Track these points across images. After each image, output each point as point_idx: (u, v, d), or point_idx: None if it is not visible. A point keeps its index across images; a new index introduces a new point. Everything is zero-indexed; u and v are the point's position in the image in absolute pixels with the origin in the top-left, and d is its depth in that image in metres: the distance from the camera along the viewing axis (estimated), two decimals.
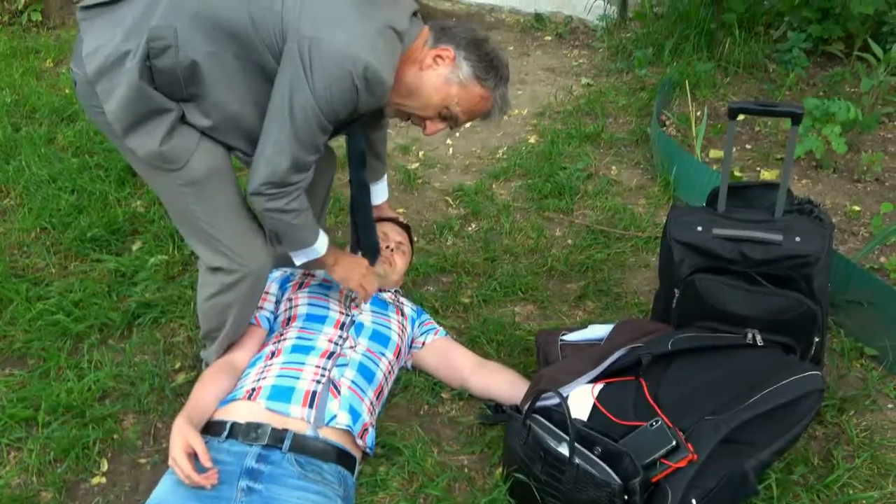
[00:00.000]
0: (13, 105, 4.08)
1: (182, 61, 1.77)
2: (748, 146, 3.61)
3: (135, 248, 2.95)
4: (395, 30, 1.84)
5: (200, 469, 1.75)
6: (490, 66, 1.96)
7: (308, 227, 2.03)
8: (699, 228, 2.10)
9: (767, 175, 3.33)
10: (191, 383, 2.27)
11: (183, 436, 1.78)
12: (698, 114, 3.72)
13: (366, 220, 2.28)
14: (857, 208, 3.10)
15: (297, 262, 2.11)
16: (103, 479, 2.07)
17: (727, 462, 1.78)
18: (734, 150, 3.55)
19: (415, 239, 2.88)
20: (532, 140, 3.80)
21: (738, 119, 3.68)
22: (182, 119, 1.87)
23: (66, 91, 4.25)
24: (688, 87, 3.92)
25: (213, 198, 1.96)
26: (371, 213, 2.31)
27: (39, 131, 3.77)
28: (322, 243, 2.10)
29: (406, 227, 2.56)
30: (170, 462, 1.76)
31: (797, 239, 2.01)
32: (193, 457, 1.77)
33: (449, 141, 3.83)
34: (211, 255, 2.01)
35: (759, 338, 2.03)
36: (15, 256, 2.91)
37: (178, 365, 2.42)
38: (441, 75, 1.94)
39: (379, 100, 1.86)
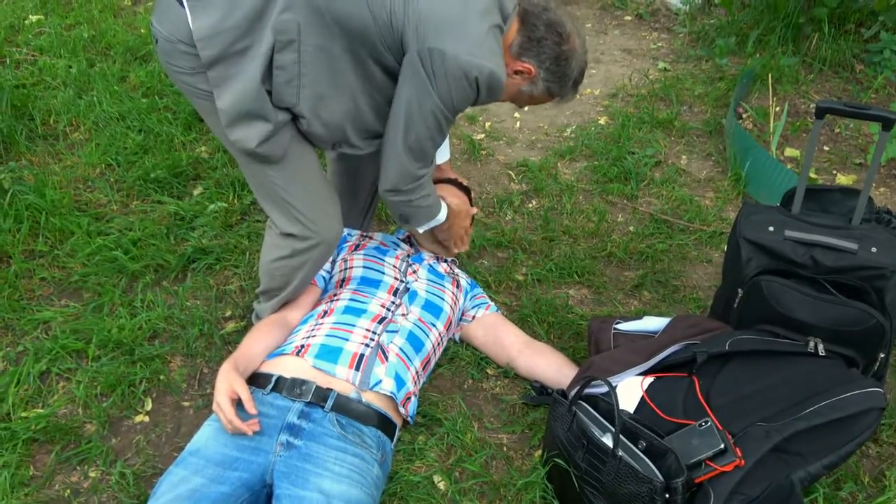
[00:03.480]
0: (90, 40, 4.12)
1: (303, 57, 1.78)
2: (826, 148, 3.48)
3: (196, 192, 2.97)
4: (500, 28, 1.89)
5: (244, 417, 1.76)
6: (565, 82, 2.02)
7: (435, 202, 2.15)
8: (771, 228, 2.03)
9: (843, 179, 3.21)
10: (240, 332, 2.30)
11: (229, 381, 1.78)
12: (777, 109, 3.60)
13: None
14: None
15: (422, 230, 2.24)
16: (146, 418, 2.10)
17: (775, 471, 1.72)
18: None
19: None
20: (602, 121, 3.72)
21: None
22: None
23: (142, 31, 4.29)
24: (769, 81, 3.78)
25: (292, 165, 1.96)
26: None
27: (113, 69, 3.81)
28: (444, 211, 2.21)
29: (466, 190, 2.49)
30: (213, 406, 1.77)
31: (873, 249, 1.93)
32: (237, 403, 1.78)
33: (517, 114, 3.77)
34: (285, 220, 2.02)
35: (821, 347, 1.96)
36: (80, 190, 2.95)
37: (228, 313, 2.43)
38: (517, 86, 2.01)
39: (495, 99, 1.95)
